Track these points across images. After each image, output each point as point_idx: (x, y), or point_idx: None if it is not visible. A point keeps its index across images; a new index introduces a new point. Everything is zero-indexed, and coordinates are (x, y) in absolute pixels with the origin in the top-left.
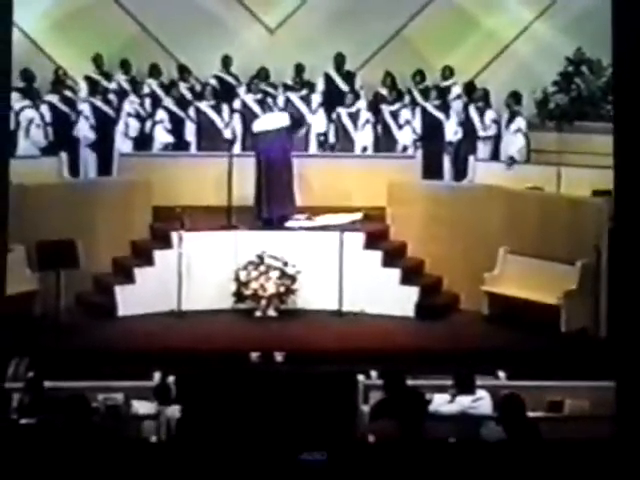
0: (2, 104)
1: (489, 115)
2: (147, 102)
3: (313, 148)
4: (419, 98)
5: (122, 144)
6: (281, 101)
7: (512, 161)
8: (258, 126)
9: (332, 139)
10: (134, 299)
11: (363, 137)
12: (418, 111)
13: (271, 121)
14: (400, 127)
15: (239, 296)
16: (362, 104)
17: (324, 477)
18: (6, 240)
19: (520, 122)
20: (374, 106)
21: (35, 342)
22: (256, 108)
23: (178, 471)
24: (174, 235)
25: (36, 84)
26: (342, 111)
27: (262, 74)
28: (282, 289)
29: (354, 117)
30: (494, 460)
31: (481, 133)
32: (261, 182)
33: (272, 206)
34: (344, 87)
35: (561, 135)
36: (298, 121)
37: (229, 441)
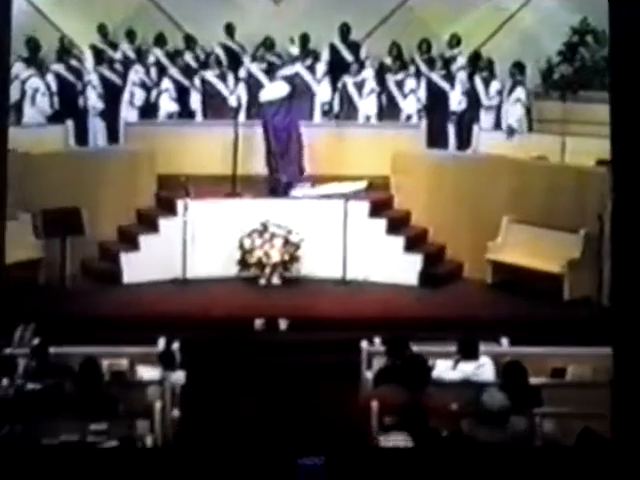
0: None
1: (494, 85)
2: (153, 71)
3: (318, 117)
4: (424, 68)
5: (128, 113)
6: (286, 71)
7: (511, 130)
8: (263, 96)
9: (336, 108)
10: (139, 266)
11: (367, 106)
12: (423, 81)
13: (275, 90)
14: (405, 96)
15: (243, 264)
16: (367, 73)
17: None
18: (4, 209)
19: (520, 92)
20: (379, 76)
21: (41, 309)
22: (261, 77)
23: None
24: (179, 203)
25: (41, 53)
26: (348, 80)
27: (267, 43)
28: (286, 257)
29: (359, 86)
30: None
31: (485, 102)
32: (270, 150)
33: (278, 172)
34: (349, 57)
35: (565, 105)
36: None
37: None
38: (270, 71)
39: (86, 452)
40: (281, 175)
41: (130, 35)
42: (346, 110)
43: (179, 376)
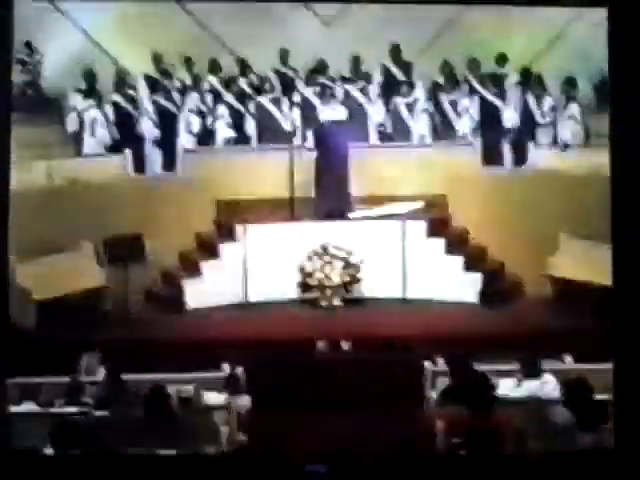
0: None
1: (547, 102)
2: (208, 98)
3: (373, 138)
4: (477, 86)
5: (185, 140)
6: (340, 94)
7: (566, 146)
8: (319, 119)
9: (389, 129)
10: (201, 292)
11: (420, 126)
12: (476, 99)
13: (331, 114)
14: (459, 115)
15: (304, 286)
16: (418, 93)
17: None
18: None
19: (574, 108)
20: (433, 95)
21: (106, 336)
22: (315, 101)
23: None
24: (238, 228)
25: (98, 84)
26: (399, 101)
27: (320, 67)
28: (347, 278)
29: (411, 106)
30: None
31: (539, 119)
32: (321, 174)
33: (331, 197)
34: (401, 77)
35: None
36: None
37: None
38: (324, 94)
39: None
40: (331, 198)
41: (187, 62)
42: (399, 131)
43: (244, 400)
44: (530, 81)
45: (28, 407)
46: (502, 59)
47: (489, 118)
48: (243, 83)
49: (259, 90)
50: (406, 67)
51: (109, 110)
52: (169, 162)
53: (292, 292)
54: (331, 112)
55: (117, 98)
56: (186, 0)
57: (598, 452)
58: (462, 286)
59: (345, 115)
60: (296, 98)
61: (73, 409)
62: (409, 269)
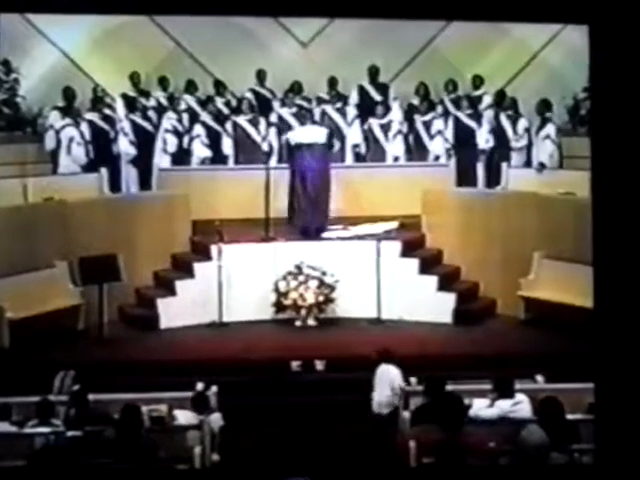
0: None
1: (521, 123)
2: (185, 117)
3: (349, 159)
4: (451, 108)
5: (160, 159)
6: (317, 114)
7: (542, 167)
8: (295, 138)
9: (363, 150)
10: (176, 311)
11: (394, 148)
12: (450, 120)
13: (309, 134)
14: (431, 137)
15: (279, 306)
16: (394, 115)
17: None
18: None
19: (550, 129)
20: (408, 116)
21: (80, 355)
22: (292, 121)
23: None
24: (213, 248)
25: (76, 103)
26: (373, 122)
27: (296, 88)
28: (321, 298)
29: (385, 128)
30: None
31: (513, 143)
32: (296, 193)
33: (307, 217)
34: (378, 98)
35: None
36: (334, 136)
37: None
38: (300, 115)
39: None
40: (308, 218)
41: (163, 82)
42: (373, 151)
43: (216, 418)
44: (504, 102)
45: (2, 427)
46: (478, 80)
47: (463, 139)
48: (220, 103)
49: (236, 110)
50: (383, 88)
51: (85, 129)
52: (145, 181)
53: (266, 312)
54: (308, 132)
55: (93, 117)
56: (157, 14)
57: (574, 469)
58: (436, 306)
59: (323, 136)
60: (273, 118)
61: (46, 429)
62: (383, 289)
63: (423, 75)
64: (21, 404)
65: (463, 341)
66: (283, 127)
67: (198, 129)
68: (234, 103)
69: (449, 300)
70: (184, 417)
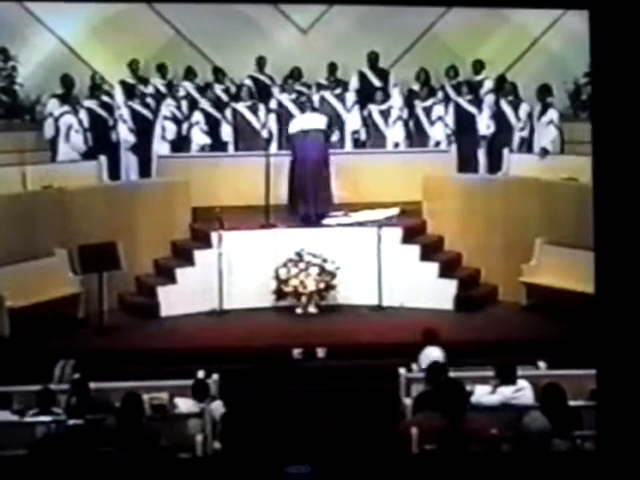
0: None
1: (523, 108)
2: (184, 104)
3: (349, 146)
4: (452, 93)
5: (160, 147)
6: (316, 100)
7: (545, 152)
8: (295, 126)
9: (363, 136)
10: (176, 299)
11: (394, 134)
12: (451, 106)
13: (308, 121)
14: (432, 123)
15: (279, 293)
16: (394, 101)
17: None
18: None
19: (552, 114)
20: (408, 102)
21: (80, 344)
22: (292, 107)
23: None
24: (214, 235)
25: (75, 90)
26: (373, 108)
27: (295, 74)
28: (322, 285)
29: (385, 114)
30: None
31: (515, 126)
32: (297, 180)
33: (308, 204)
34: (378, 84)
35: None
36: (334, 124)
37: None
38: (299, 102)
39: None
40: (309, 205)
41: (161, 69)
42: (374, 138)
43: (217, 406)
44: (505, 88)
45: (3, 416)
46: (479, 65)
47: (464, 125)
48: (219, 90)
49: (235, 97)
50: (383, 74)
51: (84, 116)
52: (144, 168)
53: (267, 299)
54: (308, 119)
55: (92, 104)
56: (156, 2)
57: (576, 455)
58: (437, 293)
59: (323, 122)
60: (272, 105)
61: (47, 418)
62: (384, 276)
63: (423, 61)
64: (22, 393)
65: (465, 328)
66: (282, 113)
67: (197, 116)
68: (233, 90)
69: (450, 287)
70: (185, 405)
